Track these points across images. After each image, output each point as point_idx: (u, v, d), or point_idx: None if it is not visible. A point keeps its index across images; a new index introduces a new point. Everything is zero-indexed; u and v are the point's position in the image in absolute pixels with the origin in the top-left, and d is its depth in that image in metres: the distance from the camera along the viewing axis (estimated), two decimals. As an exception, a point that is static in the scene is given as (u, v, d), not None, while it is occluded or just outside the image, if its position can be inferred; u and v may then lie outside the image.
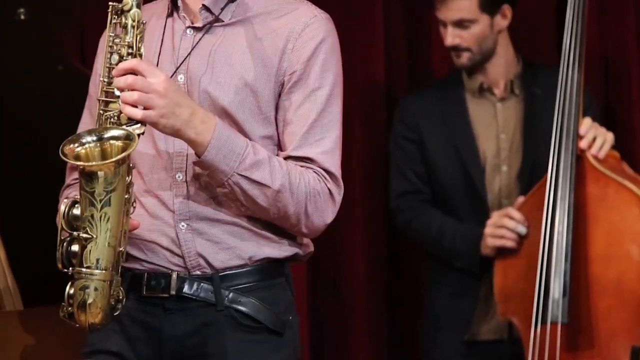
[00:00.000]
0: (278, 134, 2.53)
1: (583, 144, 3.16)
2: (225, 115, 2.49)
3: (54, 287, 2.84)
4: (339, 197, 2.51)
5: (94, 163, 2.31)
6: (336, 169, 2.50)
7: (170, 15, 2.54)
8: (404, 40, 4.05)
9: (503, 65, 3.54)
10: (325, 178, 2.49)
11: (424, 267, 3.73)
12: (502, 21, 3.55)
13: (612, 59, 3.94)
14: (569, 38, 3.26)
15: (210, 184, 2.50)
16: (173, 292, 2.51)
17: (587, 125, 3.18)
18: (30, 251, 3.14)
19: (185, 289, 2.51)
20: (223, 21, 2.50)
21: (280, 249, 2.53)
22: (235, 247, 2.51)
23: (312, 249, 2.59)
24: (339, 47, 2.53)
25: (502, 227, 3.25)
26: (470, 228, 3.41)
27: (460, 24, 3.49)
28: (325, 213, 2.50)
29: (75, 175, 2.49)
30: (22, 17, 3.11)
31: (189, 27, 2.50)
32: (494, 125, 3.54)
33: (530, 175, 3.40)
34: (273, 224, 2.53)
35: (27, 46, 3.18)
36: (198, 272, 2.51)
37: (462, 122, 3.56)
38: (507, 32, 3.59)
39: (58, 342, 2.99)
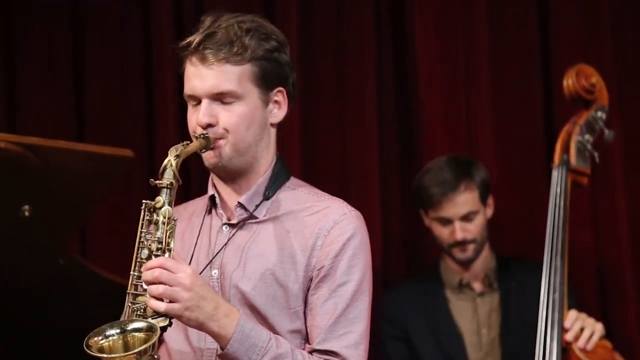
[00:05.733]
0: (306, 327, 2.56)
1: (569, 336, 3.13)
2: (254, 310, 2.54)
3: None
4: None
5: (115, 355, 2.33)
6: None
7: (209, 212, 2.64)
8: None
9: (483, 260, 3.61)
10: None
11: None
12: (489, 211, 3.61)
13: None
14: (551, 230, 3.28)
15: None
16: None
17: (572, 318, 3.16)
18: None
19: None
20: (257, 218, 2.58)
21: None
22: None
23: None
24: (368, 243, 2.57)
25: None
26: None
27: (467, 217, 3.55)
28: None
29: None
30: (27, 213, 3.11)
31: (225, 224, 2.59)
32: (475, 321, 3.62)
33: None
34: None
35: (30, 240, 3.16)
36: None
37: (445, 319, 3.62)
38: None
39: None
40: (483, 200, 3.59)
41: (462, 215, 3.53)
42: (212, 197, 2.63)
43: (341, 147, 4.12)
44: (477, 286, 3.63)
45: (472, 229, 3.55)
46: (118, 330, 2.37)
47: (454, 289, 3.64)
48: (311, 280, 2.56)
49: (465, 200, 3.55)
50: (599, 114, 3.44)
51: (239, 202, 2.59)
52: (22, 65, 4.32)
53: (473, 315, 3.65)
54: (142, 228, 2.45)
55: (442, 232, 3.57)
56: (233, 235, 2.62)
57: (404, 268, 4.03)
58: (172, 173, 2.43)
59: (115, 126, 4.21)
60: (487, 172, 3.66)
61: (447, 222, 3.55)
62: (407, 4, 4.09)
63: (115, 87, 4.26)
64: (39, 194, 3.10)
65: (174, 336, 2.57)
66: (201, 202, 2.71)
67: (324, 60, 4.17)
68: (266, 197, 2.61)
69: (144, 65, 4.40)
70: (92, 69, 4.30)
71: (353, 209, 2.62)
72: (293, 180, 2.68)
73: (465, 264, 3.62)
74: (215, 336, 2.45)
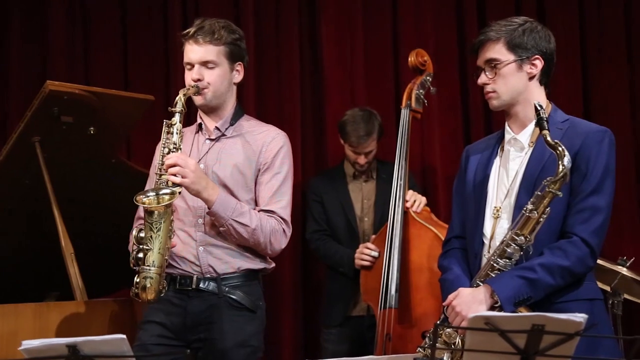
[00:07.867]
0: (255, 197, 3.14)
1: (408, 204, 3.92)
2: (225, 187, 3.09)
3: (106, 286, 3.84)
4: (289, 234, 3.14)
5: (153, 205, 2.87)
6: (288, 218, 3.12)
7: (197, 132, 3.21)
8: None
9: (370, 164, 4.39)
10: (281, 222, 3.11)
11: (323, 273, 4.61)
12: (377, 147, 4.33)
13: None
14: (400, 143, 4.00)
15: (216, 226, 3.03)
16: (194, 287, 3.09)
17: (410, 193, 3.95)
18: (93, 263, 3.67)
19: (201, 285, 3.09)
20: (226, 135, 3.15)
21: (255, 264, 3.15)
22: (230, 262, 3.09)
23: (274, 265, 3.24)
24: (291, 151, 3.18)
25: (363, 254, 4.04)
26: (349, 252, 4.16)
27: (368, 154, 4.26)
28: (281, 243, 3.12)
29: (139, 222, 3.00)
30: (92, 132, 3.69)
31: (207, 139, 3.16)
32: (361, 195, 4.39)
33: (380, 222, 4.18)
34: (252, 249, 3.08)
35: (95, 149, 3.75)
36: (208, 276, 3.10)
37: (344, 193, 4.38)
38: None
39: (112, 320, 3.46)
40: (377, 141, 4.34)
41: (366, 152, 4.27)
42: (200, 124, 3.19)
43: (278, 99, 4.93)
44: (365, 176, 4.39)
45: (369, 158, 4.33)
46: (153, 193, 2.91)
47: (350, 177, 4.38)
48: (259, 170, 3.12)
49: (369, 145, 4.27)
50: (428, 78, 4.18)
51: (216, 126, 3.15)
52: (97, 52, 4.93)
53: (360, 192, 4.40)
54: (163, 136, 2.97)
55: (352, 155, 4.33)
56: (212, 145, 3.17)
57: (313, 169, 4.87)
58: (181, 103, 2.96)
59: (149, 80, 4.76)
60: (381, 121, 4.35)
61: (357, 154, 4.31)
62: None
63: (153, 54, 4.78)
64: (98, 121, 3.66)
65: (180, 201, 3.13)
66: (192, 128, 3.22)
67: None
68: (231, 124, 3.17)
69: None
70: (135, 44, 4.92)
71: (282, 131, 3.22)
72: (246, 116, 3.25)
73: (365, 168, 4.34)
74: (206, 201, 3.02)
